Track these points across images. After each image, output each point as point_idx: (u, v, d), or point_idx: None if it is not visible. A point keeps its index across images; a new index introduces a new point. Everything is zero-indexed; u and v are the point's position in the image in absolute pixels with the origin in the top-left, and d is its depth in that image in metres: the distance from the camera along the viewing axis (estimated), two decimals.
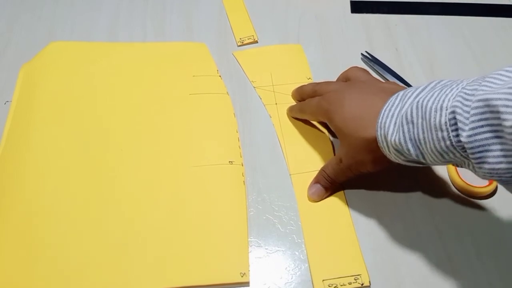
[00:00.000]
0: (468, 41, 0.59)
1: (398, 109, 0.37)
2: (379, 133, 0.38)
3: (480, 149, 0.31)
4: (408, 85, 0.53)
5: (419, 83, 0.53)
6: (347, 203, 0.45)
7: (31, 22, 0.60)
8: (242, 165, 0.47)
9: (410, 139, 0.36)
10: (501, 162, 0.31)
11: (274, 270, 0.41)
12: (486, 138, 0.31)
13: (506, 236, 0.43)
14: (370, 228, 0.43)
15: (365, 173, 0.42)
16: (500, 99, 0.30)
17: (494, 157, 0.31)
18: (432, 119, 0.34)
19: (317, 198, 0.45)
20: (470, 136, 0.32)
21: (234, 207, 0.44)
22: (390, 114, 0.38)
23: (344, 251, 0.42)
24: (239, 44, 0.58)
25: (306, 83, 0.52)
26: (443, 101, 0.34)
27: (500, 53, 0.58)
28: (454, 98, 0.33)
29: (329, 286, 0.39)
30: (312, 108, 0.47)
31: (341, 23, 0.61)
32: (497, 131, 0.31)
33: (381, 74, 0.55)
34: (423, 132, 0.35)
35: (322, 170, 0.45)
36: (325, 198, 0.45)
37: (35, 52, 0.56)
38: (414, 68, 0.56)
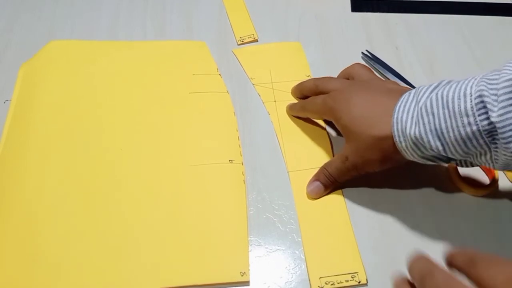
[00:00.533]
0: (468, 39, 0.59)
1: (413, 104, 0.38)
2: (395, 128, 0.38)
3: None
4: (409, 84, 0.54)
5: (419, 81, 0.53)
6: (345, 201, 0.45)
7: (31, 22, 0.60)
8: (242, 164, 0.47)
9: (431, 130, 0.36)
10: None
11: (274, 269, 0.41)
12: None
13: (506, 236, 0.43)
14: (368, 226, 0.43)
15: (371, 172, 0.43)
16: None
17: None
18: (456, 107, 0.35)
19: (315, 195, 0.45)
20: (501, 115, 0.33)
21: (234, 206, 0.44)
22: (406, 109, 0.38)
23: (341, 249, 0.42)
24: (239, 43, 0.58)
25: (306, 80, 0.52)
26: (465, 89, 0.35)
27: (500, 51, 0.58)
28: (476, 85, 0.35)
29: (326, 283, 0.39)
30: (316, 106, 0.47)
31: (341, 22, 0.61)
32: None
33: (381, 73, 0.55)
34: (445, 121, 0.35)
35: (324, 168, 0.45)
36: (324, 196, 0.45)
37: (35, 52, 0.56)
38: (414, 67, 0.56)
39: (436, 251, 0.41)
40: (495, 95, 0.33)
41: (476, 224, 0.43)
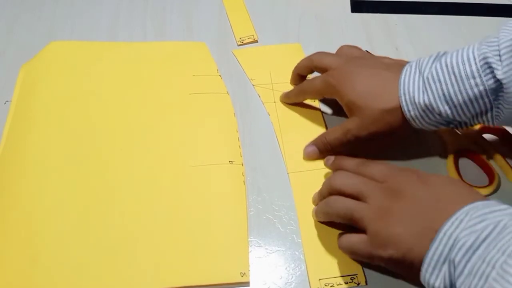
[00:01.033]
0: (467, 40, 0.59)
1: (417, 75, 0.42)
2: (403, 99, 0.42)
3: None
4: None
5: None
6: None
7: (31, 22, 0.60)
8: (242, 164, 0.47)
9: (439, 96, 0.40)
10: None
11: (274, 270, 0.41)
12: None
13: None
14: None
15: (368, 143, 0.45)
16: None
17: None
18: (462, 71, 0.39)
19: (310, 159, 0.47)
20: (506, 72, 0.37)
21: (234, 207, 0.44)
22: (411, 80, 0.42)
23: (341, 251, 0.41)
24: (239, 43, 0.58)
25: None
26: (468, 54, 0.39)
27: None
28: (478, 50, 0.39)
29: (326, 285, 0.39)
30: (316, 86, 0.48)
31: (341, 22, 0.61)
32: None
33: None
34: (453, 86, 0.39)
35: (323, 136, 0.47)
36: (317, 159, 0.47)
37: (35, 52, 0.56)
38: None
39: None
40: (498, 55, 0.37)
41: None
